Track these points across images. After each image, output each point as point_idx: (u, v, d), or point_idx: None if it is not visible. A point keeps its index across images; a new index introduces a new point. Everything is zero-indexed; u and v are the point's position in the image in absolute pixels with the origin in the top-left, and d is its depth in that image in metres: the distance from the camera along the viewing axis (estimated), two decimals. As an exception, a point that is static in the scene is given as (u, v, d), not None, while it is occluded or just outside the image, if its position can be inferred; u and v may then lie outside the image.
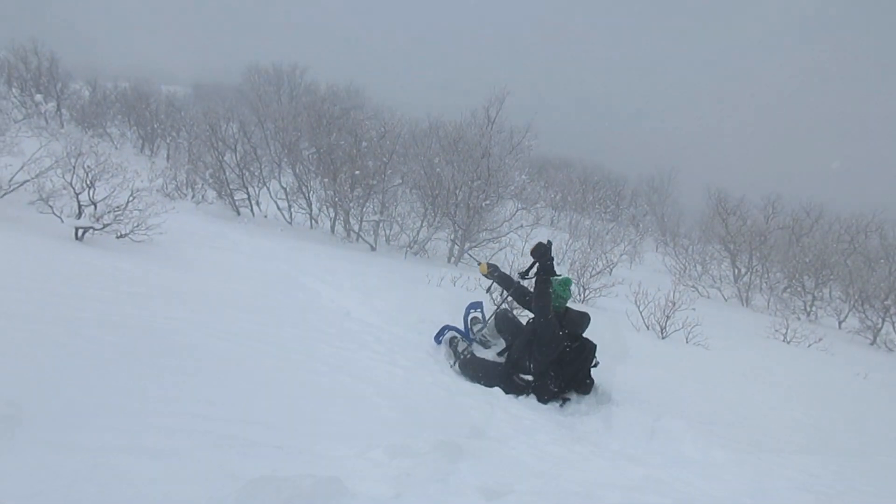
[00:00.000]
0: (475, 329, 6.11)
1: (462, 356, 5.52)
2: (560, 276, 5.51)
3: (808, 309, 16.69)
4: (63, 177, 6.93)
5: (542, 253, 5.41)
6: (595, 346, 5.40)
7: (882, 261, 18.30)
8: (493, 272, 6.12)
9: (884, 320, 14.54)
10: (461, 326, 6.14)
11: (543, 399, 5.15)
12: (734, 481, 3.83)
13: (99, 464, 1.92)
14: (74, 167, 6.90)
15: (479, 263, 6.35)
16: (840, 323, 15.89)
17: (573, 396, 5.31)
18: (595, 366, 5.38)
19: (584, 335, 5.41)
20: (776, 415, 5.70)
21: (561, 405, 5.19)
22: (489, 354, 5.73)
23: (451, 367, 5.52)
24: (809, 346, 10.63)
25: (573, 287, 5.50)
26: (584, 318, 5.43)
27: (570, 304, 5.58)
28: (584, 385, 5.34)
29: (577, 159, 39.57)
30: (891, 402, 7.74)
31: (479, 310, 6.40)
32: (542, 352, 5.11)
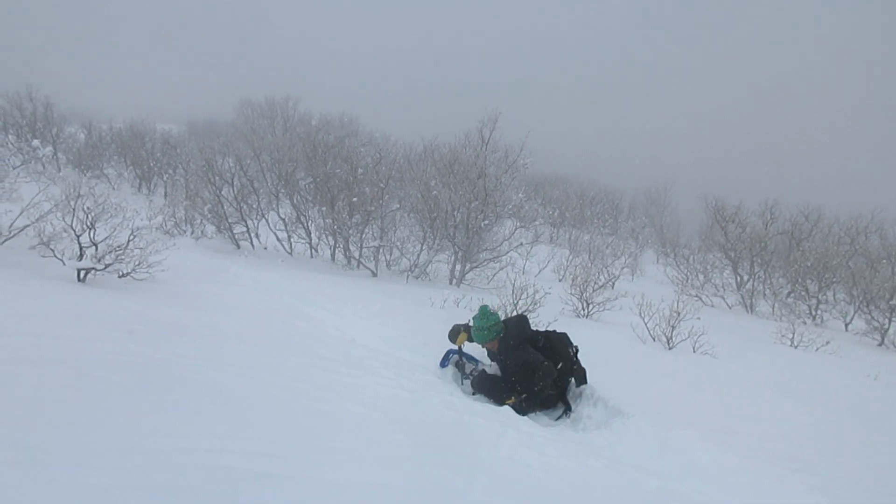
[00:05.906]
0: (467, 369, 5.76)
1: (471, 375, 5.51)
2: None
3: (814, 312, 16.63)
4: (63, 219, 6.95)
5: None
6: (564, 333, 5.44)
7: (884, 261, 18.23)
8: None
9: (890, 320, 14.46)
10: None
11: (550, 406, 5.21)
12: (750, 489, 3.80)
13: (112, 503, 1.91)
14: (74, 209, 6.93)
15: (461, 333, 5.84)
16: (846, 325, 15.82)
17: (574, 387, 5.45)
18: (577, 352, 5.45)
19: (545, 328, 5.50)
20: (788, 420, 5.66)
21: (568, 416, 5.18)
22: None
23: (461, 386, 5.51)
24: (817, 349, 10.58)
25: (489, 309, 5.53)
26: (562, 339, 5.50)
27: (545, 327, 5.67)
28: (574, 373, 5.40)
29: (573, 175, 39.81)
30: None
31: (455, 353, 6.02)
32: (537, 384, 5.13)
